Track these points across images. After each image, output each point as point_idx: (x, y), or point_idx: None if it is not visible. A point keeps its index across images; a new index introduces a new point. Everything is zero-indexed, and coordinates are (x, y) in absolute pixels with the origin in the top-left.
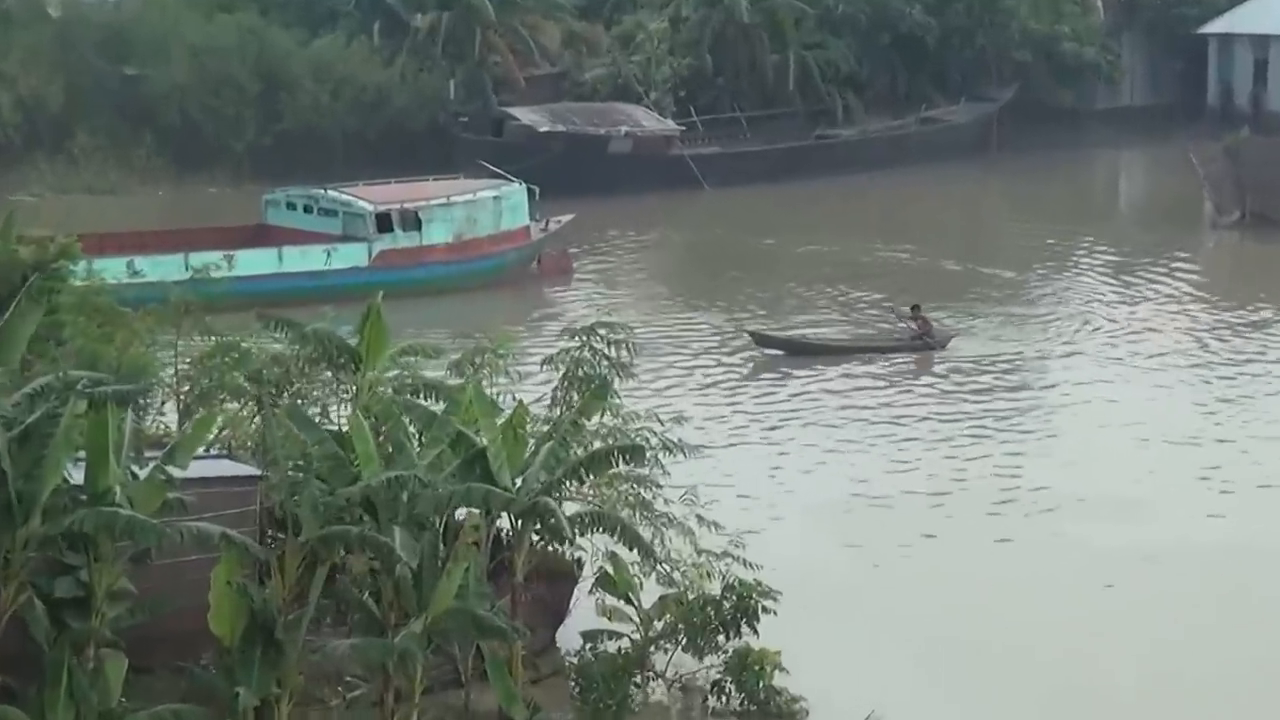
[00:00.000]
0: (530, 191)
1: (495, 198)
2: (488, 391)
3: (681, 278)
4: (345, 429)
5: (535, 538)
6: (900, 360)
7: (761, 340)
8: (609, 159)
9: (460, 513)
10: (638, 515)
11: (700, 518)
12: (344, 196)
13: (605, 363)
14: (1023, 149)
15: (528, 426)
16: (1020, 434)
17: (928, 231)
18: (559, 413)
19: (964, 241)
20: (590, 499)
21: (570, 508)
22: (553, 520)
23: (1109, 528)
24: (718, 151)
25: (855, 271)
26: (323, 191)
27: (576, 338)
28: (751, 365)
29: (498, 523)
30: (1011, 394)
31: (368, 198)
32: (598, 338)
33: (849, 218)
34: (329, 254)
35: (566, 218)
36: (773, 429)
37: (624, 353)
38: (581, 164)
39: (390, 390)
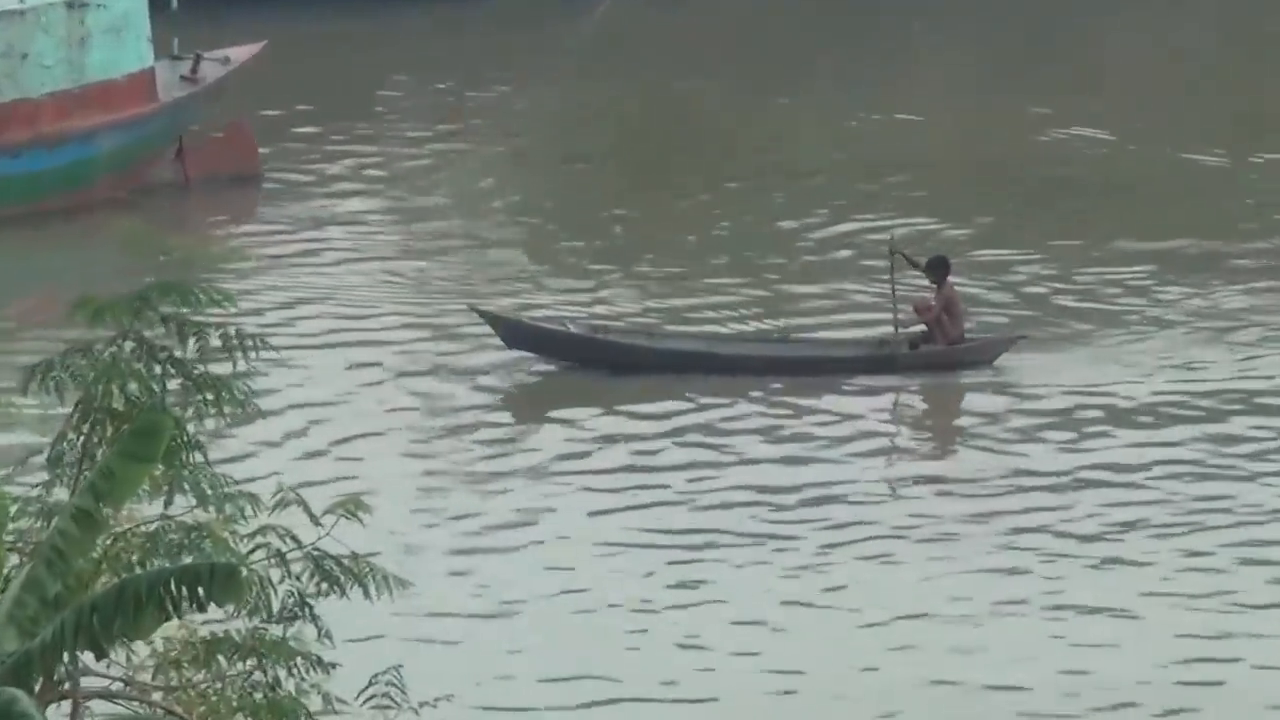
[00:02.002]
0: None
1: (70, 4)
2: None
3: (523, 197)
4: None
5: None
6: (879, 387)
7: (506, 332)
8: None
9: None
10: None
11: None
12: None
13: (175, 381)
14: None
15: (9, 525)
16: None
17: (1127, 77)
18: (69, 495)
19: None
20: (156, 695)
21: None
22: None
23: None
24: None
25: (961, 172)
26: None
27: (108, 320)
28: (573, 392)
29: None
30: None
31: None
32: (155, 321)
33: (955, 42)
34: None
35: (249, 50)
36: (602, 544)
37: (233, 356)
38: None
39: None
